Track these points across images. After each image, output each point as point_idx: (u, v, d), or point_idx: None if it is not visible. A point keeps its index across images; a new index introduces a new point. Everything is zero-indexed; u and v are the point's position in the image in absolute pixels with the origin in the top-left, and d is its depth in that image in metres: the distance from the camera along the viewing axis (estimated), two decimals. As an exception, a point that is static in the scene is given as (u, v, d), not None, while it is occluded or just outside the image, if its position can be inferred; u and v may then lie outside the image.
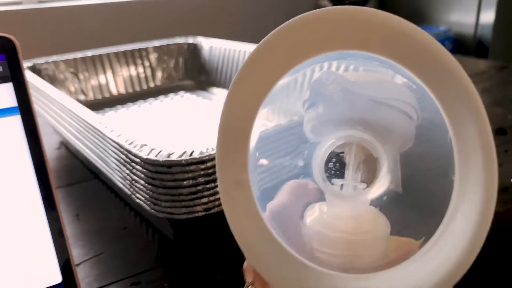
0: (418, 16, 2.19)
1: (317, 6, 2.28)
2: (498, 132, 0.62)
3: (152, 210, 0.31)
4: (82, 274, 0.37)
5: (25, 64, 0.66)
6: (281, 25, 0.14)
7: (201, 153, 0.30)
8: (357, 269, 0.18)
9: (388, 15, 0.13)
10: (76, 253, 0.40)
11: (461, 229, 0.14)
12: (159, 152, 0.30)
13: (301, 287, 0.15)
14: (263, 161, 0.17)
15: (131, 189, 0.33)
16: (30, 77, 0.57)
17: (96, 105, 0.72)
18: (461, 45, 1.99)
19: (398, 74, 0.17)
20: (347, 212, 0.19)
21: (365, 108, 0.19)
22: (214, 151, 0.30)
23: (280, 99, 0.19)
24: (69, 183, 0.55)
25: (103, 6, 1.73)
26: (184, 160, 0.29)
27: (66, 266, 0.30)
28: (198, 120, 0.66)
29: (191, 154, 0.29)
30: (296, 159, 0.18)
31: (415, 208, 0.18)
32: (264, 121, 0.19)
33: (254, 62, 0.14)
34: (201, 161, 0.29)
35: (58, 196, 0.51)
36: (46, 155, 0.30)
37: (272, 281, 0.15)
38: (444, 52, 0.14)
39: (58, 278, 0.30)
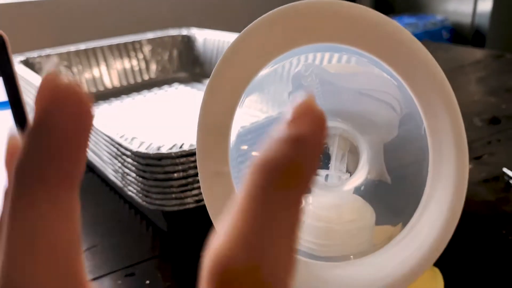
0: (415, 5, 2.18)
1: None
2: (492, 121, 0.63)
3: (144, 203, 0.32)
4: (76, 266, 0.38)
5: (18, 58, 0.66)
6: (258, 18, 0.14)
7: (191, 145, 0.30)
8: (343, 257, 0.18)
9: (365, 9, 0.13)
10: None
11: (434, 218, 0.14)
12: (150, 145, 0.30)
13: None
14: (245, 152, 0.17)
15: (123, 182, 0.34)
16: (23, 71, 0.57)
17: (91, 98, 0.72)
18: (458, 34, 1.98)
19: (381, 69, 0.17)
20: (331, 202, 0.20)
21: (348, 99, 0.19)
22: (204, 143, 0.30)
23: (268, 89, 0.19)
24: (64, 176, 0.55)
25: (98, -2, 1.72)
26: (174, 152, 0.29)
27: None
28: (191, 112, 0.66)
29: (181, 147, 0.30)
30: None
31: (395, 195, 0.18)
32: (258, 112, 0.19)
33: (232, 55, 0.14)
34: (190, 154, 0.29)
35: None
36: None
37: None
38: (419, 46, 0.14)
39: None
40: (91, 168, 0.55)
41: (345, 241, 0.19)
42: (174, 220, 0.37)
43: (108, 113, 0.67)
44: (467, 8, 1.95)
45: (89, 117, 0.10)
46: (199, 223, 0.40)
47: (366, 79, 0.19)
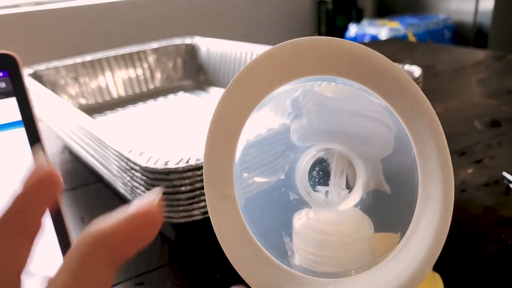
0: (417, 5, 2.18)
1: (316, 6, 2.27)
2: (493, 124, 0.63)
3: (153, 215, 0.33)
4: (88, 276, 0.39)
5: (27, 71, 0.67)
6: (265, 50, 0.15)
7: (197, 160, 0.31)
8: (344, 273, 0.19)
9: (353, 43, 0.15)
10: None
11: (428, 225, 0.15)
12: (157, 160, 0.32)
13: None
14: (246, 174, 0.19)
15: (133, 195, 0.35)
16: (32, 84, 0.58)
17: (97, 109, 0.74)
18: (460, 33, 1.98)
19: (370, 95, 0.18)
20: (331, 216, 0.21)
21: (345, 120, 0.20)
22: (210, 158, 0.32)
23: (269, 114, 0.20)
24: (73, 186, 0.57)
25: (101, 6, 1.74)
26: (181, 167, 0.30)
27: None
28: (196, 120, 0.67)
29: (187, 161, 0.31)
30: (278, 173, 0.19)
31: (393, 204, 0.19)
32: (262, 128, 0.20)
33: (239, 81, 0.15)
34: (197, 168, 0.31)
35: (63, 199, 0.53)
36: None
37: (254, 286, 0.16)
38: (403, 75, 0.15)
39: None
40: (99, 178, 0.57)
41: (345, 254, 0.20)
42: (182, 230, 0.39)
43: (115, 123, 0.69)
44: (469, 7, 1.95)
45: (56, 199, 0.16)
46: (206, 233, 0.41)
47: (361, 101, 0.20)
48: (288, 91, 0.19)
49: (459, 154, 0.55)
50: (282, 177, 0.19)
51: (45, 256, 0.30)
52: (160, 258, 0.40)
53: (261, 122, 0.20)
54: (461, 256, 0.37)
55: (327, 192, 0.21)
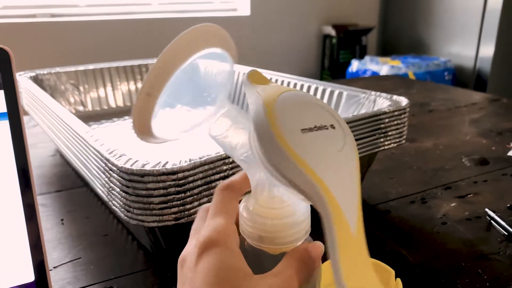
0: (419, 46, 2.24)
1: (321, 31, 2.32)
2: (481, 162, 0.64)
3: (126, 217, 0.33)
4: (57, 276, 0.39)
5: (29, 74, 0.69)
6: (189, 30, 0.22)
7: (173, 164, 0.31)
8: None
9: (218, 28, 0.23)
10: (55, 256, 0.42)
11: None
12: (135, 161, 0.32)
13: None
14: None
15: (109, 196, 0.35)
16: (30, 86, 0.60)
17: (94, 117, 0.75)
18: (460, 77, 2.02)
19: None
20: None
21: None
22: (186, 163, 0.32)
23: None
24: (59, 189, 0.57)
25: (112, 22, 1.79)
26: (156, 170, 0.31)
27: (40, 266, 0.32)
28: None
29: (164, 165, 0.31)
30: None
31: None
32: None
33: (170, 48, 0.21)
34: (172, 172, 0.31)
35: (47, 201, 0.53)
36: (30, 159, 0.32)
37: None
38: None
39: (31, 277, 0.31)
40: (86, 183, 0.57)
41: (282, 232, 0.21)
42: (157, 236, 0.39)
43: (108, 130, 0.69)
44: (470, 52, 1.99)
45: None
46: (181, 240, 0.41)
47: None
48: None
49: (444, 188, 0.55)
50: None
51: (14, 253, 0.30)
52: (132, 264, 0.40)
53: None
54: (436, 287, 0.37)
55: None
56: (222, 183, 0.23)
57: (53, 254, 0.42)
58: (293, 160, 0.18)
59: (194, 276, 0.19)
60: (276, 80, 0.68)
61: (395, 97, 0.52)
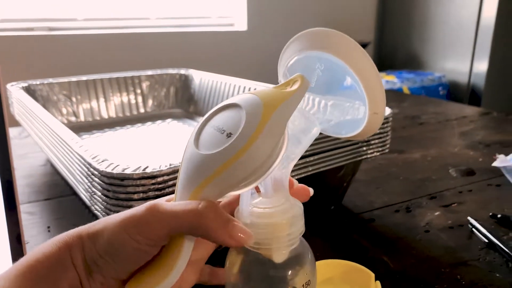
0: (415, 62, 2.26)
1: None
2: (467, 173, 0.64)
3: (106, 221, 0.33)
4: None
5: (21, 84, 0.70)
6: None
7: (153, 169, 0.32)
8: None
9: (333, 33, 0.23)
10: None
11: None
12: (116, 166, 0.33)
13: None
14: None
15: (91, 201, 0.36)
16: (21, 96, 0.61)
17: (86, 127, 0.76)
18: (455, 92, 2.04)
19: None
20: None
21: None
22: (166, 168, 0.33)
23: None
24: (47, 197, 0.57)
25: (111, 36, 1.82)
26: (136, 174, 0.31)
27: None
28: (177, 144, 0.69)
29: (144, 169, 0.32)
30: None
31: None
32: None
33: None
34: (152, 176, 0.32)
35: (35, 209, 0.54)
36: (13, 166, 0.33)
37: None
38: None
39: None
40: (75, 192, 0.57)
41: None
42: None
43: (98, 140, 0.70)
44: (464, 67, 2.02)
45: None
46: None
47: None
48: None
49: (429, 197, 0.56)
50: None
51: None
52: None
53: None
54: (415, 293, 0.37)
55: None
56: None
57: (37, 260, 0.42)
58: None
59: None
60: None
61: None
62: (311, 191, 0.25)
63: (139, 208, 0.21)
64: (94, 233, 0.21)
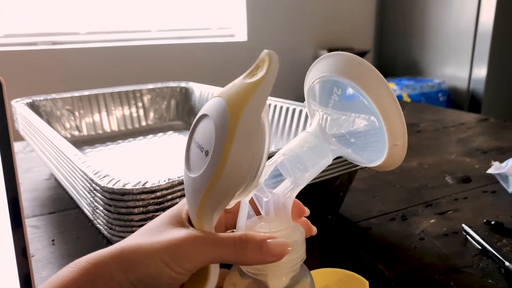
0: (414, 69, 2.28)
1: (317, 55, 2.38)
2: (463, 180, 0.65)
3: (108, 234, 0.35)
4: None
5: (25, 100, 0.72)
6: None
7: (152, 183, 0.33)
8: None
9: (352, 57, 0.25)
10: (44, 275, 0.43)
11: None
12: (118, 181, 0.34)
13: None
14: None
15: (94, 215, 0.37)
16: (25, 112, 0.62)
17: (89, 141, 0.78)
18: (454, 98, 2.05)
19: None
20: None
21: None
22: (165, 182, 0.34)
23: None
24: (51, 211, 0.59)
25: (113, 49, 1.85)
26: (136, 189, 0.33)
27: (26, 284, 0.33)
28: (177, 156, 0.70)
29: (144, 184, 0.33)
30: None
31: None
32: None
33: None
34: (151, 191, 0.33)
35: (39, 223, 0.55)
36: (19, 182, 0.34)
37: None
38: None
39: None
40: (78, 205, 0.59)
41: None
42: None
43: (100, 154, 0.72)
44: (463, 73, 2.03)
45: None
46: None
47: None
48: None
49: (425, 205, 0.57)
50: None
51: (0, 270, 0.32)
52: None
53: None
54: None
55: None
56: None
57: (42, 273, 0.44)
58: None
59: None
60: (269, 105, 0.71)
61: (373, 117, 0.54)
62: (306, 211, 0.25)
63: (173, 235, 0.21)
64: (125, 262, 0.21)
